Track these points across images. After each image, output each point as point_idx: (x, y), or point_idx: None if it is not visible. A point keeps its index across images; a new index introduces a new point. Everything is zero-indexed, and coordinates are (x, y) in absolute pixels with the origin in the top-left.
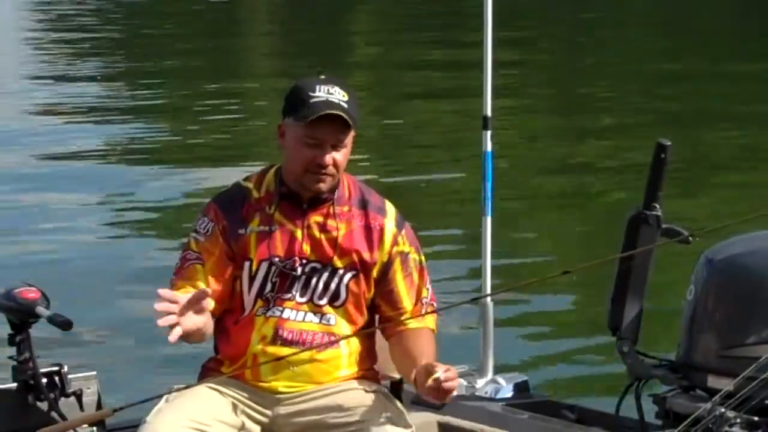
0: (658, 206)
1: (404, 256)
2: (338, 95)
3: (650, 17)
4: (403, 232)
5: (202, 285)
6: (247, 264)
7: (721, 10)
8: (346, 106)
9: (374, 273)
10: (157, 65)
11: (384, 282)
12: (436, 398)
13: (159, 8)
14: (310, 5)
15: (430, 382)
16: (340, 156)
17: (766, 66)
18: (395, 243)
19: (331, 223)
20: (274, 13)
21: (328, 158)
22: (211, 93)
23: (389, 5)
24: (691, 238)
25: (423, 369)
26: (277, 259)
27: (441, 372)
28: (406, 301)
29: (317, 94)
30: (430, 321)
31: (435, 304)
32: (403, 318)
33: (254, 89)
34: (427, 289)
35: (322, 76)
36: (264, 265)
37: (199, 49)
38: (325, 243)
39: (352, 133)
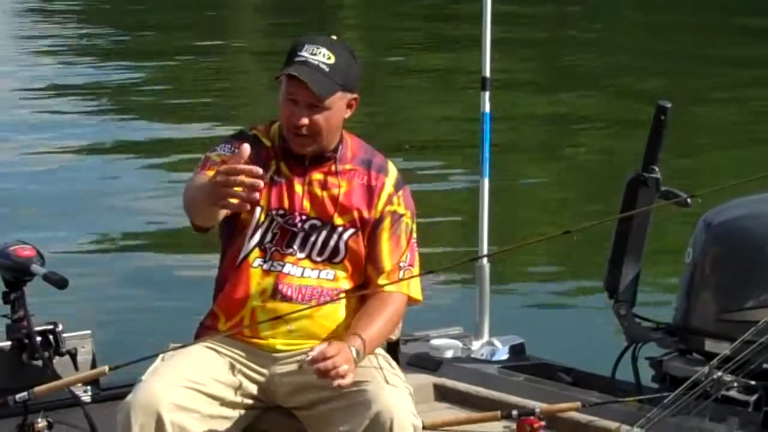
0: (657, 168)
1: (396, 216)
2: (321, 57)
3: None
4: (400, 193)
5: None
6: (258, 210)
7: None
8: (325, 68)
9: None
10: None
11: (371, 239)
12: (321, 376)
13: None
14: None
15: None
16: (320, 117)
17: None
18: (389, 202)
19: (332, 180)
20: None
21: (304, 119)
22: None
23: None
24: (690, 201)
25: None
26: (280, 212)
27: (317, 350)
28: (386, 261)
29: (302, 53)
30: (406, 287)
31: (413, 271)
32: (380, 280)
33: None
34: (408, 255)
35: (321, 37)
36: (269, 215)
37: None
38: (326, 200)
39: (337, 96)
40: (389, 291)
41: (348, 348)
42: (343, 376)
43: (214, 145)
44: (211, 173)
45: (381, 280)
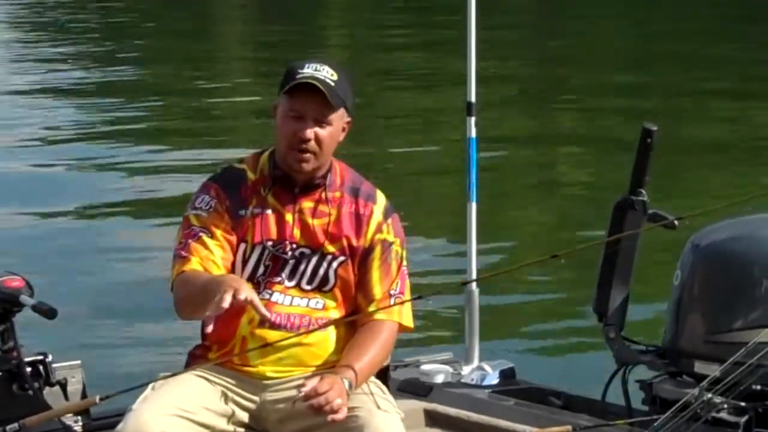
0: (644, 191)
1: (386, 245)
2: (325, 73)
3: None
4: (390, 221)
5: (215, 256)
6: (242, 246)
7: None
8: (331, 83)
9: (357, 259)
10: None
11: (361, 268)
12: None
13: None
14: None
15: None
16: (324, 133)
17: (748, 47)
18: (379, 230)
19: (322, 208)
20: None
21: (309, 132)
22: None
23: None
24: (677, 223)
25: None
26: (269, 243)
27: (309, 386)
28: (377, 290)
29: (305, 70)
30: (397, 315)
31: (403, 298)
32: (370, 308)
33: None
34: (398, 283)
35: (320, 57)
36: (258, 248)
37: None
38: (316, 228)
39: (339, 113)
40: (380, 319)
41: (340, 381)
42: (336, 411)
43: (195, 194)
44: (197, 255)
45: (371, 308)
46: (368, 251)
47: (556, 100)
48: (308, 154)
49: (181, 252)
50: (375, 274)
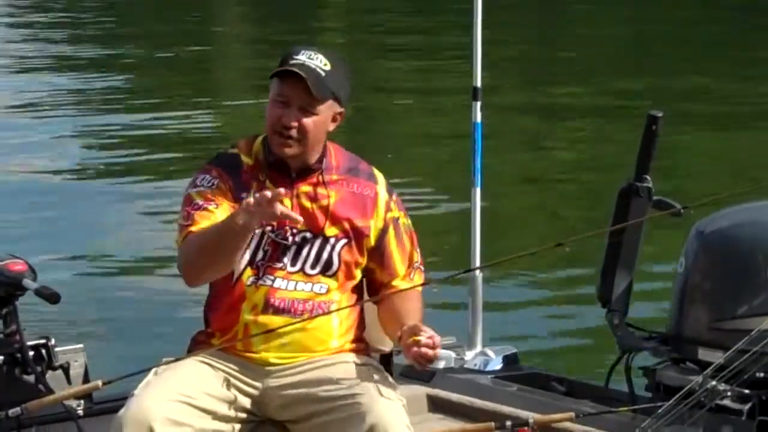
0: (648, 178)
1: (396, 221)
2: (317, 62)
3: None
4: (394, 197)
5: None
6: None
7: None
8: (321, 73)
9: (371, 240)
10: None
11: (380, 248)
12: (417, 361)
13: None
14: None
15: (410, 341)
16: (309, 121)
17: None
18: (388, 209)
19: (321, 191)
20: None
21: (293, 120)
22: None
23: None
24: (682, 211)
25: (409, 329)
26: (269, 228)
27: (424, 336)
28: (400, 267)
29: (298, 57)
30: (419, 280)
31: (422, 267)
32: (395, 282)
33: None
34: (417, 252)
35: (317, 46)
36: (257, 233)
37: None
38: (316, 211)
39: (328, 103)
40: (410, 291)
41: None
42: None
43: (194, 176)
44: (205, 221)
45: (397, 282)
46: (384, 231)
47: (560, 83)
48: (291, 140)
49: (185, 222)
50: (395, 252)
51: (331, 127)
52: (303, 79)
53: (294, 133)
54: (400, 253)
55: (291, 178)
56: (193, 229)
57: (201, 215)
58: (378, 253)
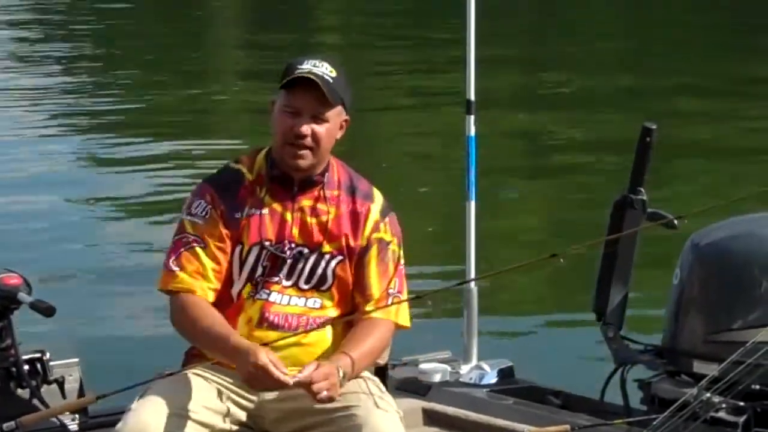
0: (643, 190)
1: (384, 244)
2: (324, 69)
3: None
4: (387, 220)
5: (206, 269)
6: (238, 248)
7: None
8: (329, 80)
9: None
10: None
11: (359, 267)
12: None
13: None
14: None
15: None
16: (321, 129)
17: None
18: (376, 229)
19: (321, 206)
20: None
21: (306, 128)
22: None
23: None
24: (677, 222)
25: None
26: (268, 243)
27: (307, 371)
28: (375, 289)
29: (304, 66)
30: (394, 314)
31: (402, 297)
32: (368, 307)
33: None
34: (396, 281)
35: (320, 54)
36: (255, 249)
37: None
38: (314, 227)
39: (337, 110)
40: (377, 317)
41: (336, 370)
42: (326, 401)
43: (190, 196)
44: (190, 265)
45: (369, 307)
46: (365, 250)
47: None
48: (305, 150)
49: (171, 264)
50: (372, 272)
51: (339, 134)
52: (312, 87)
53: (308, 141)
54: (378, 276)
55: (293, 192)
56: (180, 275)
57: (187, 258)
58: (357, 271)
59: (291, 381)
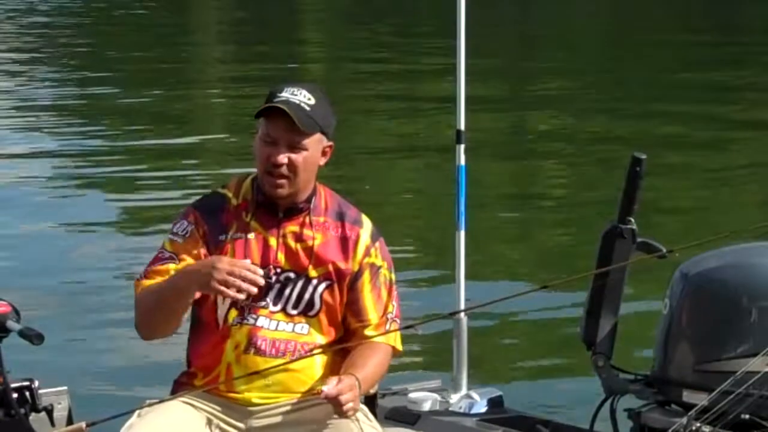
0: (632, 220)
1: (375, 269)
2: (302, 97)
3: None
4: (377, 245)
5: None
6: None
7: None
8: (306, 108)
9: (347, 282)
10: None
11: (351, 292)
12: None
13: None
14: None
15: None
16: (299, 158)
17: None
18: (367, 254)
19: (307, 232)
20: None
21: (282, 157)
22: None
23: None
24: (668, 255)
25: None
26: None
27: (330, 386)
28: (372, 314)
29: (282, 94)
30: (393, 339)
31: (399, 321)
32: (367, 332)
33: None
34: (393, 305)
35: (300, 82)
36: None
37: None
38: (300, 252)
39: (315, 137)
40: (377, 341)
41: (356, 384)
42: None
43: (176, 218)
44: (159, 278)
45: (369, 332)
46: (358, 275)
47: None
48: (282, 180)
49: (140, 275)
50: (368, 298)
51: (322, 161)
52: (288, 116)
53: (285, 170)
54: (374, 301)
55: (278, 218)
56: (143, 282)
57: (157, 271)
58: (350, 298)
59: (260, 270)
